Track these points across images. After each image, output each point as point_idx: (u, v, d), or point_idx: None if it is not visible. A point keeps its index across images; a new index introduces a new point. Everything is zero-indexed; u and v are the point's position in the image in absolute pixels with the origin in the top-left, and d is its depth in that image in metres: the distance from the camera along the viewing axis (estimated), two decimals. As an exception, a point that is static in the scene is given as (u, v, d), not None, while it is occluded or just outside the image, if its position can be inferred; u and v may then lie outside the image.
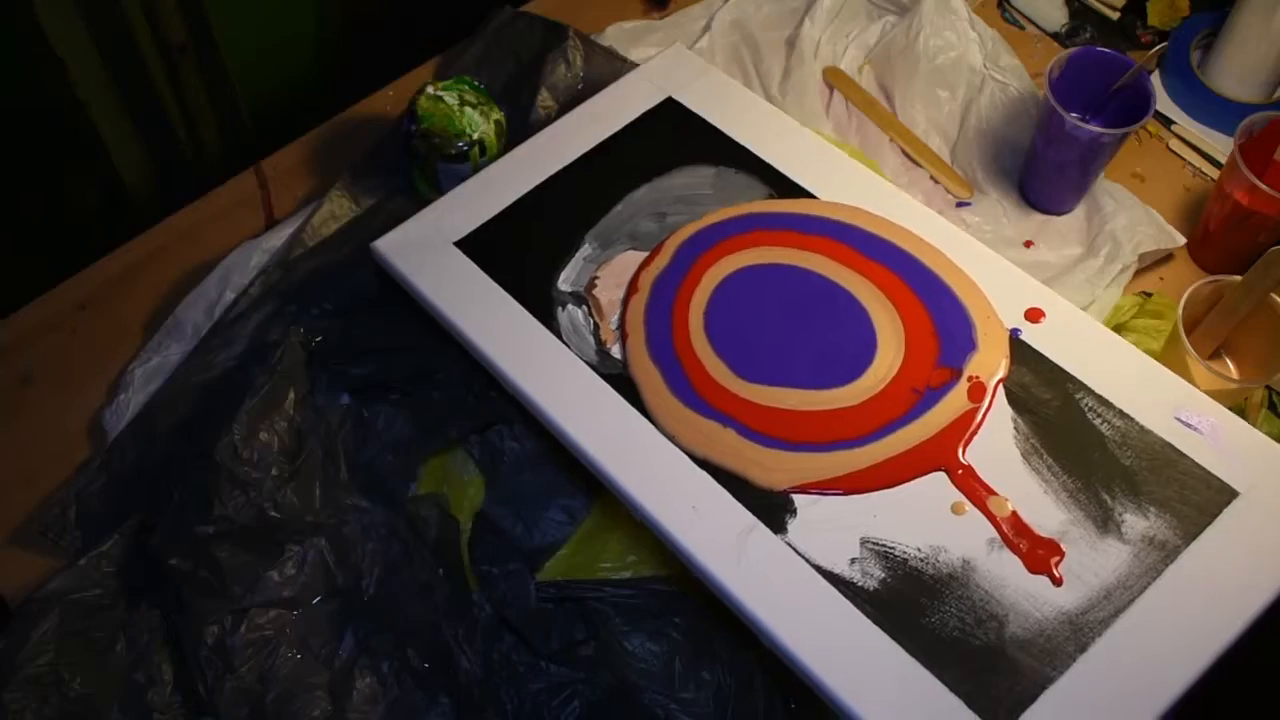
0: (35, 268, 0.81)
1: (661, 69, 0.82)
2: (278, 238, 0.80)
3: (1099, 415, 0.64)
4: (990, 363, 0.66)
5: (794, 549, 0.60)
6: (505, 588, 0.64)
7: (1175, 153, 0.87)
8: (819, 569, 0.59)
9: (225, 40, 0.87)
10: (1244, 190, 0.74)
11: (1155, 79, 0.90)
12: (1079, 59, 0.77)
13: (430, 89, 0.77)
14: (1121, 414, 0.64)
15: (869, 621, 0.57)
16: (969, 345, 0.67)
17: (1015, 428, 0.64)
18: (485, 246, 0.73)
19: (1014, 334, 0.67)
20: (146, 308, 0.79)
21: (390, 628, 0.64)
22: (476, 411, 0.70)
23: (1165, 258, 0.81)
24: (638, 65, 0.86)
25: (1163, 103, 0.89)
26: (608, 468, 0.63)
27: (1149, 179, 0.85)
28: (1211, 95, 0.88)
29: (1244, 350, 0.74)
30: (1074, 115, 0.75)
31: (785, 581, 0.59)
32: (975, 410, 0.64)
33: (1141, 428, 0.63)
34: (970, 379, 0.66)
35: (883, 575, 0.59)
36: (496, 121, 0.78)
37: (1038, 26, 0.95)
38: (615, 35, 0.92)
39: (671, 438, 0.64)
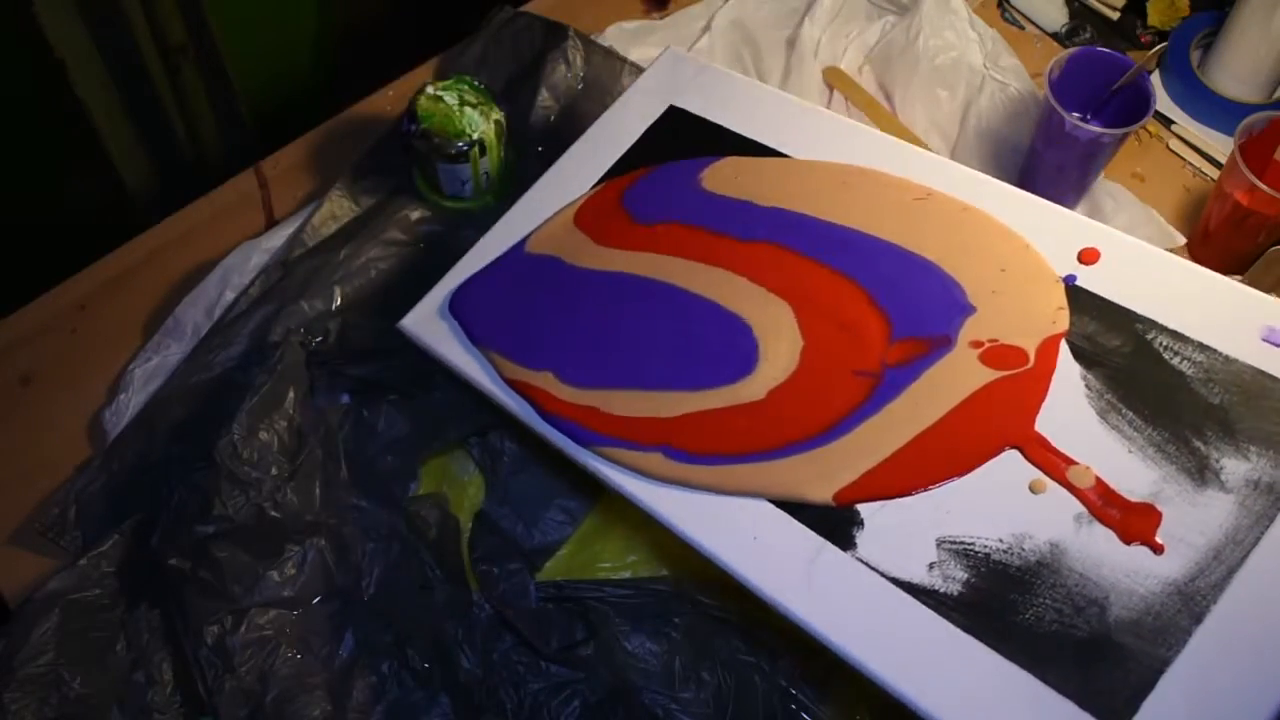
0: (35, 268, 0.81)
1: (658, 78, 0.77)
2: (278, 238, 0.80)
3: (1176, 353, 0.57)
4: (1032, 321, 0.59)
5: (866, 564, 0.54)
6: (505, 588, 0.64)
7: (1175, 153, 0.87)
8: (896, 581, 0.53)
9: (225, 40, 0.88)
10: (1244, 190, 0.74)
11: (1155, 79, 0.90)
12: (1079, 59, 0.77)
13: (430, 89, 0.77)
14: (1201, 346, 0.56)
15: (958, 630, 0.51)
16: (956, 309, 0.60)
17: (1086, 385, 0.57)
18: None
19: (1069, 282, 0.60)
20: (146, 308, 0.79)
21: (390, 628, 0.64)
22: (475, 413, 0.70)
23: (1165, 258, 0.81)
24: (638, 65, 0.85)
25: (1163, 103, 0.89)
26: (660, 511, 0.58)
27: (1149, 179, 0.85)
28: (1211, 95, 0.88)
29: (1244, 350, 0.74)
30: (1074, 115, 0.75)
31: (862, 602, 0.53)
32: (1027, 377, 0.57)
33: (1226, 358, 0.56)
34: (981, 344, 0.59)
35: (965, 576, 0.53)
36: (496, 121, 0.77)
37: (1038, 26, 0.95)
38: (615, 35, 0.92)
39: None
